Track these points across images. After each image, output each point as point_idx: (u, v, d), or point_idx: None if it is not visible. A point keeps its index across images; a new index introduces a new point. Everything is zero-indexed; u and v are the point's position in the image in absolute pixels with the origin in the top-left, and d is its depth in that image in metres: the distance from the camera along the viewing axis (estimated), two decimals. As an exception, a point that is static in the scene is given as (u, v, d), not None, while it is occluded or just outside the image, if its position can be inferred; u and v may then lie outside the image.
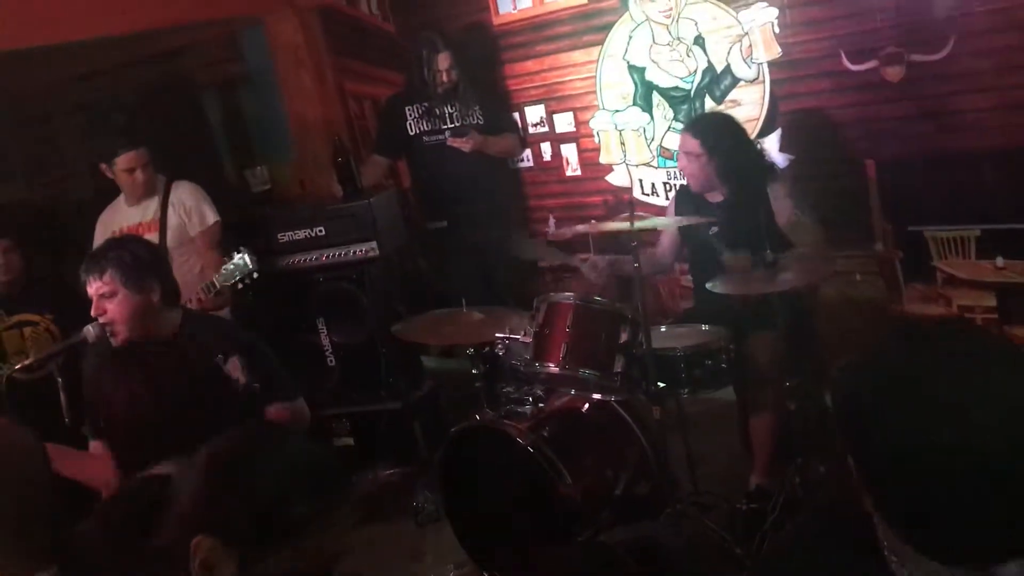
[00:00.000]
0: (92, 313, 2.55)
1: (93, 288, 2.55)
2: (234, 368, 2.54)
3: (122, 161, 3.65)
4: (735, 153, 3.28)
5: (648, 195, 4.17)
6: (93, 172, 5.49)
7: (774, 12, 3.59)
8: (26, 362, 2.57)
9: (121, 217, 3.79)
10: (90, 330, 2.59)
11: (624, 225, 2.76)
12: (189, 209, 3.73)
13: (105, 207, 3.97)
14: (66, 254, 5.19)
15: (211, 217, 3.76)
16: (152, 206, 3.76)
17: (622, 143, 4.19)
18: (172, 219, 3.72)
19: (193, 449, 1.61)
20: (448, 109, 4.22)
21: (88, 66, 5.07)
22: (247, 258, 3.29)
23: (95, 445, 2.77)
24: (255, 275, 3.31)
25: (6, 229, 3.70)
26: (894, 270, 3.62)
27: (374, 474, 3.99)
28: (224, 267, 3.35)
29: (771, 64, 3.68)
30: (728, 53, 3.77)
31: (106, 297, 2.55)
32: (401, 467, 3.97)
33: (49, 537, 1.43)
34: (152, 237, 3.65)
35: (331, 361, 4.06)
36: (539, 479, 2.79)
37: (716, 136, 3.28)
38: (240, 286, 3.33)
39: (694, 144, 3.27)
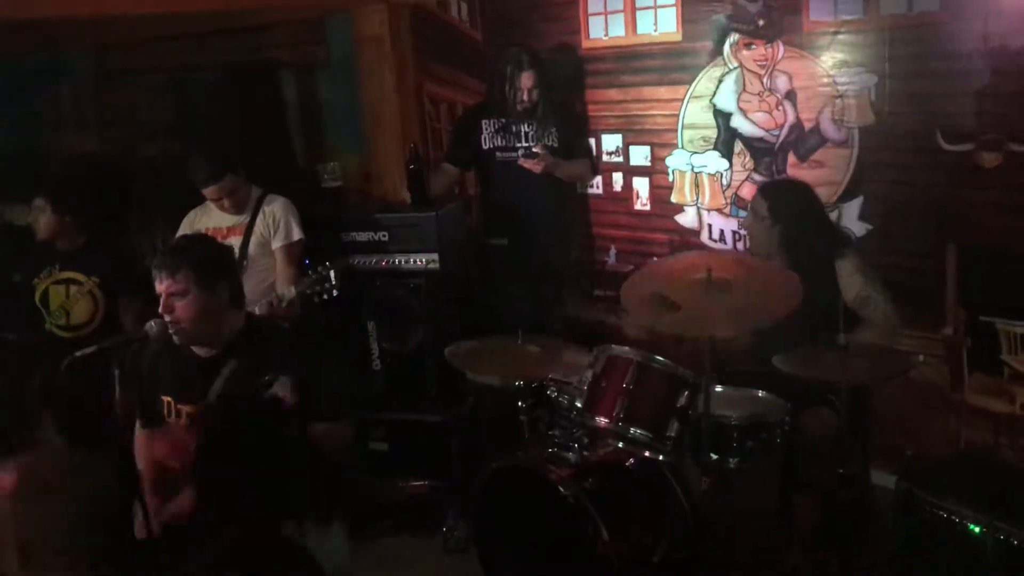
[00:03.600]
0: (160, 311, 2.55)
1: (164, 286, 2.55)
2: (281, 388, 2.55)
3: (208, 193, 3.63)
4: (802, 224, 3.27)
5: (716, 241, 4.11)
6: (165, 132, 5.56)
7: (874, 79, 3.50)
8: (87, 351, 2.56)
9: (209, 218, 3.76)
10: (152, 326, 2.58)
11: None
12: (277, 221, 3.70)
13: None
14: (128, 213, 5.26)
15: (296, 234, 3.72)
16: (244, 214, 3.74)
17: (696, 185, 4.12)
18: (259, 227, 3.69)
19: None
20: (525, 128, 4.16)
21: (176, 29, 5.09)
22: (332, 274, 3.28)
23: (140, 435, 2.80)
24: (335, 293, 3.30)
25: (55, 186, 3.88)
26: (960, 358, 3.52)
27: (404, 483, 4.00)
28: (307, 277, 3.35)
29: (863, 130, 3.59)
30: (819, 112, 3.68)
31: (176, 296, 2.55)
32: (432, 481, 3.97)
33: (100, 546, 1.46)
34: (236, 240, 3.66)
35: (376, 365, 4.05)
36: (576, 529, 2.76)
37: (786, 203, 3.29)
38: (316, 299, 3.32)
39: (762, 206, 3.30)
